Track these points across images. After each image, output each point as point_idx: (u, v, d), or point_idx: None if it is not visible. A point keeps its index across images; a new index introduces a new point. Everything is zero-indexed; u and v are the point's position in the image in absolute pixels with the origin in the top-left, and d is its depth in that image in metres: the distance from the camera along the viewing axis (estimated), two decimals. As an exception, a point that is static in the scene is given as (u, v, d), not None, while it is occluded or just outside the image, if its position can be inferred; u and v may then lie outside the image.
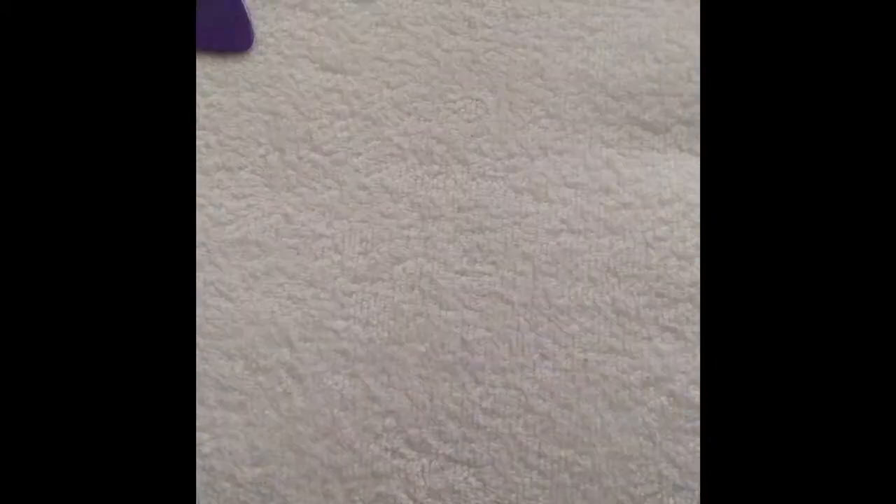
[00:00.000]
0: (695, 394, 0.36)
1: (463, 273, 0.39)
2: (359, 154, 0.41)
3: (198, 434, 0.37)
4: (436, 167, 0.41)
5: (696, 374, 0.36)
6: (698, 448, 0.35)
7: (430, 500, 0.36)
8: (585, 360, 0.37)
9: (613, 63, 0.42)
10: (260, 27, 0.44)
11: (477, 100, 0.42)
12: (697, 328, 0.37)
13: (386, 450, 0.37)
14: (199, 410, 0.37)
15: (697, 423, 0.36)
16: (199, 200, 0.41)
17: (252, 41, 0.38)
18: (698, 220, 0.39)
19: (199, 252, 0.40)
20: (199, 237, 0.40)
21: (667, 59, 0.42)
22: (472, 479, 0.36)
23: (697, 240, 0.38)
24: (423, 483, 0.36)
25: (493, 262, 0.39)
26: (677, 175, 0.40)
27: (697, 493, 0.35)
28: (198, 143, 0.42)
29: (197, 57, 0.43)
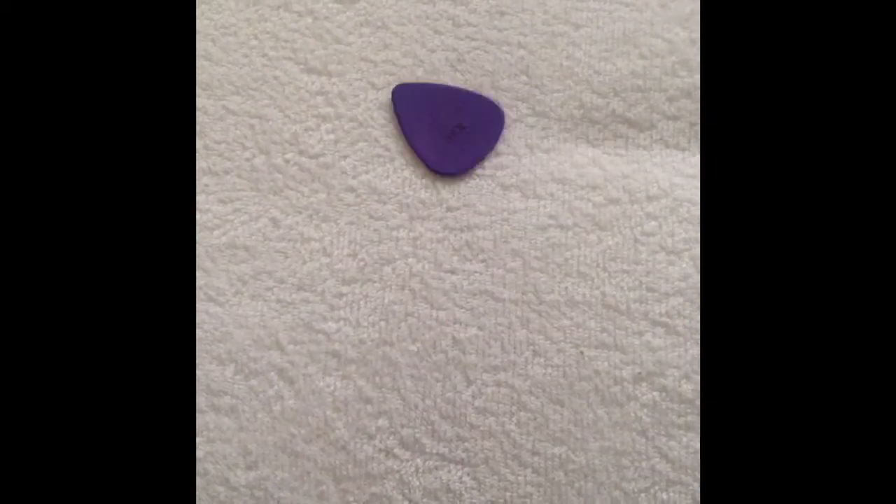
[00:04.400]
0: (687, 388, 0.36)
1: (453, 272, 0.39)
2: (346, 156, 0.41)
3: (190, 440, 0.36)
4: (423, 168, 0.41)
5: (689, 369, 0.37)
6: (691, 443, 0.36)
7: (425, 499, 0.36)
8: (581, 352, 0.37)
9: (598, 59, 0.42)
10: (244, 29, 0.44)
11: (463, 99, 0.42)
12: (689, 322, 0.37)
13: (380, 450, 0.36)
14: (191, 416, 0.37)
15: (690, 418, 0.36)
16: (186, 205, 0.40)
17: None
18: (686, 216, 0.39)
19: (188, 257, 0.39)
20: (187, 242, 0.40)
21: (651, 54, 0.42)
22: (466, 479, 0.36)
23: (686, 235, 0.39)
24: (417, 483, 0.36)
25: (483, 260, 0.39)
26: (663, 171, 0.40)
27: (691, 487, 0.35)
28: (183, 147, 0.41)
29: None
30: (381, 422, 0.37)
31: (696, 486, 0.35)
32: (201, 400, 0.37)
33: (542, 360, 0.37)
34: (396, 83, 0.42)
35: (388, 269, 0.39)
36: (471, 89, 0.42)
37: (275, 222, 0.40)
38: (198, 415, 0.37)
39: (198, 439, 0.36)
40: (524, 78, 0.42)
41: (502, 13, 0.43)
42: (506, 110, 0.41)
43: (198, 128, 0.42)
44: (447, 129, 0.40)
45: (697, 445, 0.35)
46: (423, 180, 0.40)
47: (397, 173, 0.41)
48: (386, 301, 0.38)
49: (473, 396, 0.37)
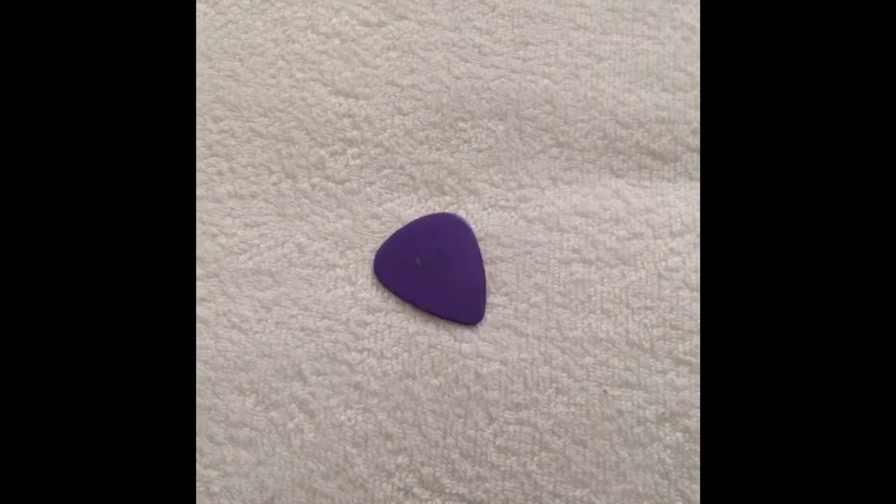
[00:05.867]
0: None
1: (476, 304, 0.38)
2: (371, 183, 0.41)
3: (206, 472, 0.35)
4: (447, 198, 0.40)
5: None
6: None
7: (443, 539, 0.35)
8: (605, 391, 0.37)
9: (622, 91, 0.42)
10: (272, 49, 0.43)
11: (487, 129, 0.41)
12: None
13: (398, 489, 0.36)
14: (208, 447, 0.36)
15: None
16: (211, 229, 0.39)
17: (482, 315, 0.38)
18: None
19: (212, 282, 0.38)
20: (212, 267, 0.39)
21: (674, 87, 0.42)
22: (487, 519, 0.35)
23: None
24: (435, 522, 0.35)
25: (506, 294, 0.38)
26: (686, 205, 0.40)
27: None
28: (210, 170, 0.41)
29: (209, 80, 0.42)
30: (401, 459, 0.36)
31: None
32: (219, 431, 0.36)
33: (564, 398, 0.37)
34: (423, 109, 0.42)
35: (411, 299, 0.38)
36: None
37: (300, 248, 0.39)
38: (216, 447, 0.36)
39: (213, 472, 0.35)
40: (548, 108, 0.42)
41: (527, 43, 0.43)
42: (530, 141, 0.41)
43: (225, 150, 0.41)
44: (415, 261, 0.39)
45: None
46: (447, 210, 0.40)
47: (421, 203, 0.40)
48: (410, 332, 0.38)
49: (495, 435, 0.36)
